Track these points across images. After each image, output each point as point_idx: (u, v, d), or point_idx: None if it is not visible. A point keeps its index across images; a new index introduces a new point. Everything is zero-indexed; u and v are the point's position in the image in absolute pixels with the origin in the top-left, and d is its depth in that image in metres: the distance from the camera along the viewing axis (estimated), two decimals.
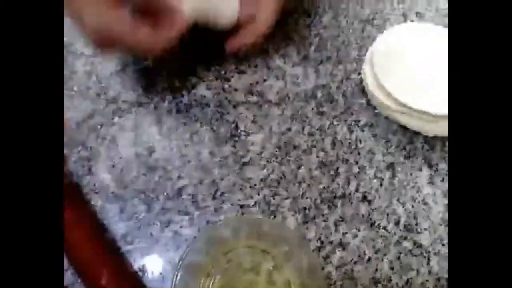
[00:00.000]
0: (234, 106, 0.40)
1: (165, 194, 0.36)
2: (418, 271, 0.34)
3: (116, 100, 0.40)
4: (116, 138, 0.38)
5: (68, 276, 0.32)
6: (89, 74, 0.41)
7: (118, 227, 0.34)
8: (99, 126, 0.38)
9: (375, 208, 0.36)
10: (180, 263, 0.30)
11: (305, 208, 0.36)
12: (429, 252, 0.34)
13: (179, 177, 0.36)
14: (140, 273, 0.33)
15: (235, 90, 0.41)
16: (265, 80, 0.42)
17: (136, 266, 0.33)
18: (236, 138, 0.39)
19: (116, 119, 0.39)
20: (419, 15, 0.47)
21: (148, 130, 0.38)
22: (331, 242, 0.35)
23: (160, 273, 0.33)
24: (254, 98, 0.41)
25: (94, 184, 0.36)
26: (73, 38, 0.42)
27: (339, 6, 0.47)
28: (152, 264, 0.33)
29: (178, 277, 0.29)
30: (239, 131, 0.39)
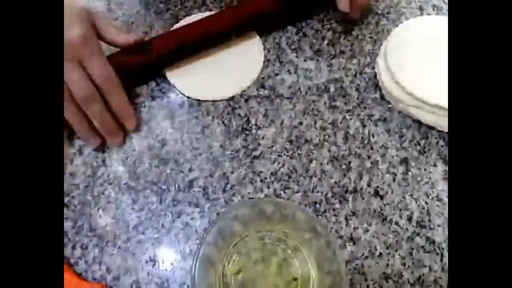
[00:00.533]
0: (246, 100, 0.40)
1: (176, 186, 0.36)
2: (430, 268, 0.33)
3: (130, 93, 0.40)
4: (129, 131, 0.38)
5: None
6: None
7: (130, 217, 0.35)
8: None
9: (387, 203, 0.36)
10: (196, 256, 0.30)
11: (315, 202, 0.36)
12: (443, 249, 0.34)
13: (190, 170, 0.37)
14: (151, 263, 0.33)
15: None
16: (277, 74, 0.42)
17: (147, 255, 0.33)
18: (247, 132, 0.39)
19: None
20: (436, 8, 0.46)
21: (160, 123, 0.39)
22: (341, 237, 0.34)
23: (171, 263, 0.33)
24: (265, 92, 0.41)
25: (108, 175, 0.36)
26: None
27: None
28: (163, 254, 0.34)
29: (196, 270, 0.29)
30: (250, 125, 0.39)
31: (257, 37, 0.43)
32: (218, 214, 0.35)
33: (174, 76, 0.41)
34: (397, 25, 0.43)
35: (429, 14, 0.46)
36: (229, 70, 0.42)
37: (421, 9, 0.46)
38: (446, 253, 0.33)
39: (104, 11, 0.45)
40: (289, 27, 0.44)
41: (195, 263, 0.29)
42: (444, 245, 0.34)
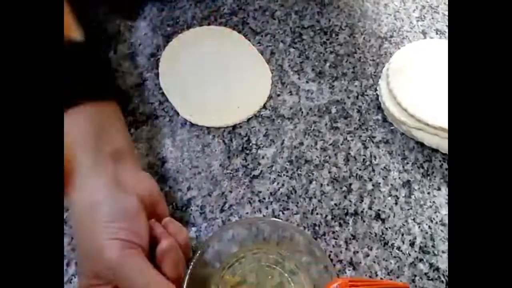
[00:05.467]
0: (247, 120, 0.40)
1: (174, 204, 0.36)
2: None
3: (133, 112, 0.41)
4: None
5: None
6: None
7: None
8: None
9: (389, 227, 0.34)
10: (186, 277, 0.29)
11: (315, 224, 0.35)
12: (447, 276, 0.32)
13: (189, 188, 0.37)
14: None
15: None
16: (278, 95, 0.42)
17: None
18: (247, 151, 0.38)
19: (132, 130, 0.40)
20: (439, 33, 0.47)
21: (162, 141, 0.39)
22: (341, 261, 0.33)
23: None
24: (267, 112, 0.41)
25: None
26: None
27: (356, 24, 0.47)
28: None
29: None
30: (250, 144, 0.39)
31: (268, 69, 0.43)
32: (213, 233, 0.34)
33: (179, 103, 0.41)
34: (399, 48, 0.43)
35: (432, 38, 0.46)
36: (236, 100, 0.41)
37: (424, 33, 0.47)
38: None
39: (114, 33, 0.47)
40: (292, 50, 0.45)
41: (185, 285, 0.28)
42: None
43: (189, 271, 0.29)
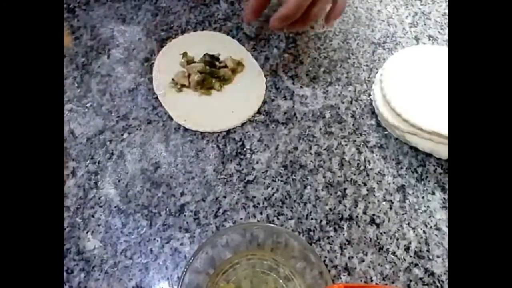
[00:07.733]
0: (241, 125, 0.40)
1: (167, 210, 0.35)
2: None
3: (126, 117, 0.41)
4: (123, 154, 0.38)
5: None
6: (103, 92, 0.42)
7: (119, 241, 0.34)
8: (108, 142, 0.39)
9: (384, 232, 0.34)
10: (180, 283, 0.29)
11: (309, 230, 0.35)
12: (443, 281, 0.32)
13: (182, 194, 0.36)
14: None
15: None
16: (272, 100, 0.42)
17: (134, 282, 0.32)
18: (242, 156, 0.38)
19: (125, 135, 0.39)
20: (432, 39, 0.47)
21: (155, 147, 0.39)
22: (336, 266, 0.33)
23: None
24: (261, 117, 0.41)
25: (99, 198, 0.36)
26: (90, 58, 0.44)
27: (350, 30, 0.47)
28: (150, 280, 0.32)
29: None
30: (245, 149, 0.39)
31: (263, 74, 0.43)
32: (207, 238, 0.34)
33: (173, 107, 0.41)
34: (393, 54, 0.43)
35: (424, 44, 0.46)
36: (230, 104, 0.41)
37: (417, 39, 0.47)
38: (446, 286, 0.32)
39: (107, 38, 0.46)
40: (286, 55, 0.45)
41: None
42: (444, 278, 0.32)
43: (182, 277, 0.29)
